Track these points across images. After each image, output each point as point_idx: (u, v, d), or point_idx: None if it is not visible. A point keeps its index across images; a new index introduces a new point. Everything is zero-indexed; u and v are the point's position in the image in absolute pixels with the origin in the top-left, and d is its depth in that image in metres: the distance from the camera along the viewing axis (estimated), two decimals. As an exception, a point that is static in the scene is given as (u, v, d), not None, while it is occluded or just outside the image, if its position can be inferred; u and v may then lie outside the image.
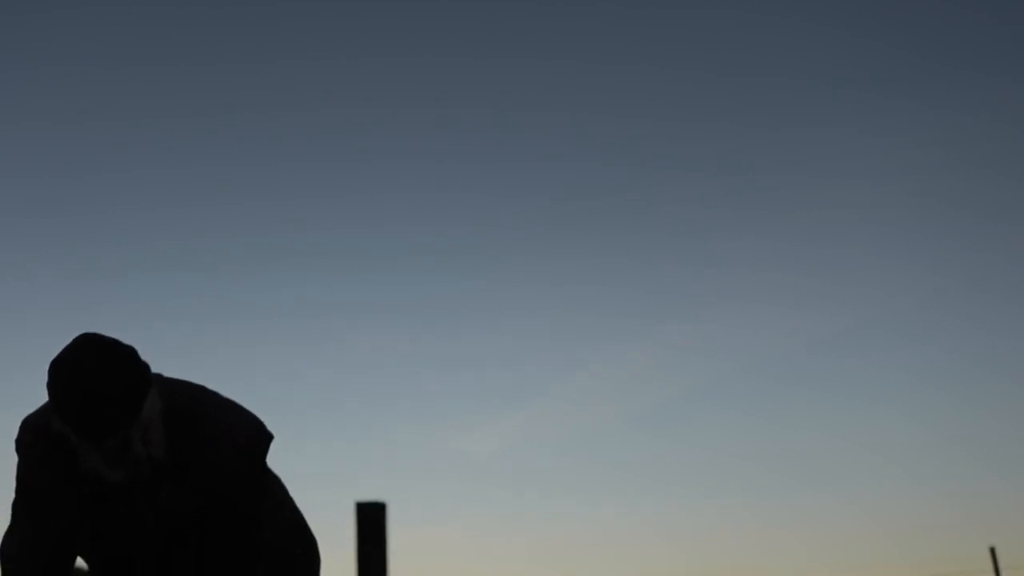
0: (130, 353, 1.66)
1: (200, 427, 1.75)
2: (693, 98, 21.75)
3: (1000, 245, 20.28)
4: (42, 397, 1.73)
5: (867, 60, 20.34)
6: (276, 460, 2.00)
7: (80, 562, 1.89)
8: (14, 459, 1.82)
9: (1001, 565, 7.39)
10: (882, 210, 21.34)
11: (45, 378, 1.66)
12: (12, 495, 1.82)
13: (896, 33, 19.56)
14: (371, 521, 5.07)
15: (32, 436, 1.79)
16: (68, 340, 1.69)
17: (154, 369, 1.75)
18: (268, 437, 1.81)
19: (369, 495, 5.18)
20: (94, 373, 1.60)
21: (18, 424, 1.83)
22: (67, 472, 1.73)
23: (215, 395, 1.81)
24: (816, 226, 22.84)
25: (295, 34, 20.74)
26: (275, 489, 1.93)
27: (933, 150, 20.03)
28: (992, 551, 7.42)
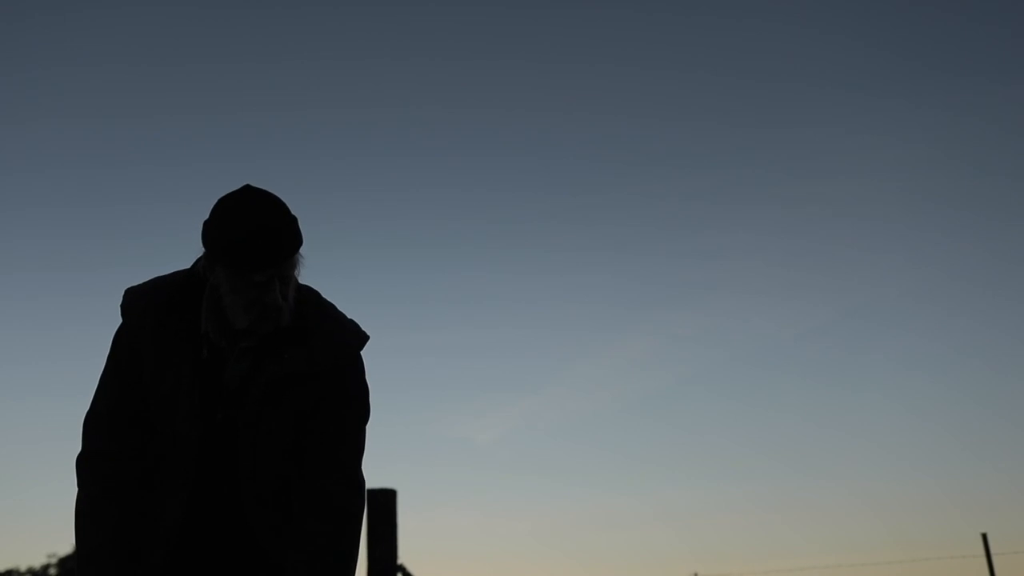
0: (293, 214, 1.76)
1: (321, 308, 1.87)
2: (692, 98, 21.79)
3: (982, 238, 20.33)
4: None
5: (855, 62, 20.37)
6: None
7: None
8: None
9: (993, 551, 7.42)
10: (869, 205, 21.41)
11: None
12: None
13: (883, 35, 19.59)
14: (382, 506, 5.32)
15: (144, 298, 1.83)
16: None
17: None
18: (367, 335, 1.90)
19: (379, 482, 5.35)
20: (263, 209, 1.70)
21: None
22: (178, 334, 1.79)
23: None
24: (806, 220, 22.89)
25: (307, 36, 20.78)
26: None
27: (918, 148, 20.11)
28: (984, 537, 7.46)
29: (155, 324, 1.80)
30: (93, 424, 1.83)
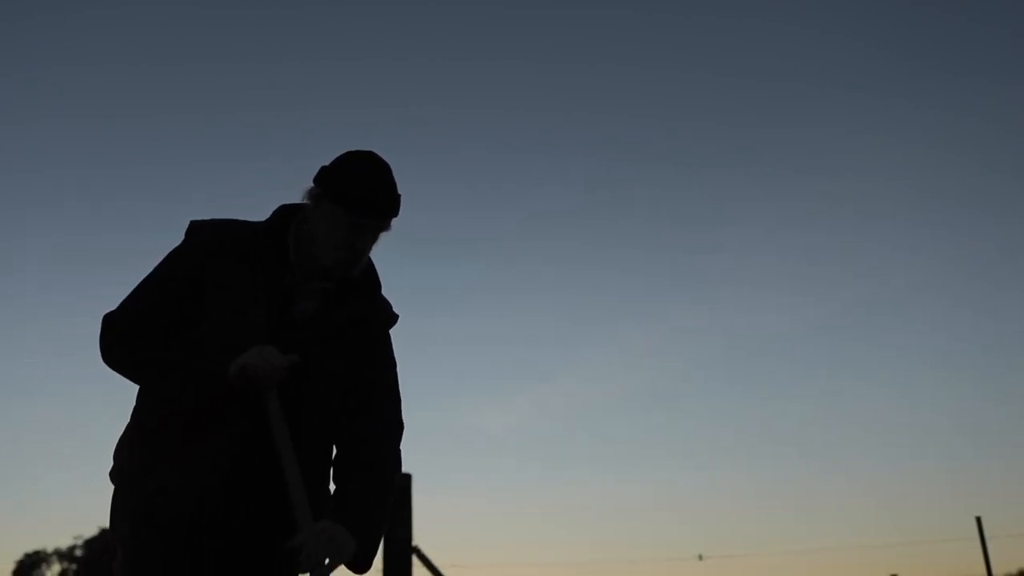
0: None
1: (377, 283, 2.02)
2: (692, 98, 21.89)
3: (984, 232, 20.47)
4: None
5: (855, 62, 20.44)
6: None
7: None
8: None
9: (987, 534, 7.58)
10: (874, 202, 21.53)
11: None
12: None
13: (883, 35, 19.66)
14: (398, 490, 5.68)
15: (221, 224, 1.93)
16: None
17: None
18: (397, 315, 2.05)
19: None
20: (387, 171, 1.90)
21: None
22: (261, 260, 1.88)
23: None
24: (810, 216, 23.00)
25: (307, 36, 20.84)
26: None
27: (919, 147, 20.27)
28: (978, 520, 7.62)
29: (237, 246, 1.89)
30: (117, 316, 1.87)
